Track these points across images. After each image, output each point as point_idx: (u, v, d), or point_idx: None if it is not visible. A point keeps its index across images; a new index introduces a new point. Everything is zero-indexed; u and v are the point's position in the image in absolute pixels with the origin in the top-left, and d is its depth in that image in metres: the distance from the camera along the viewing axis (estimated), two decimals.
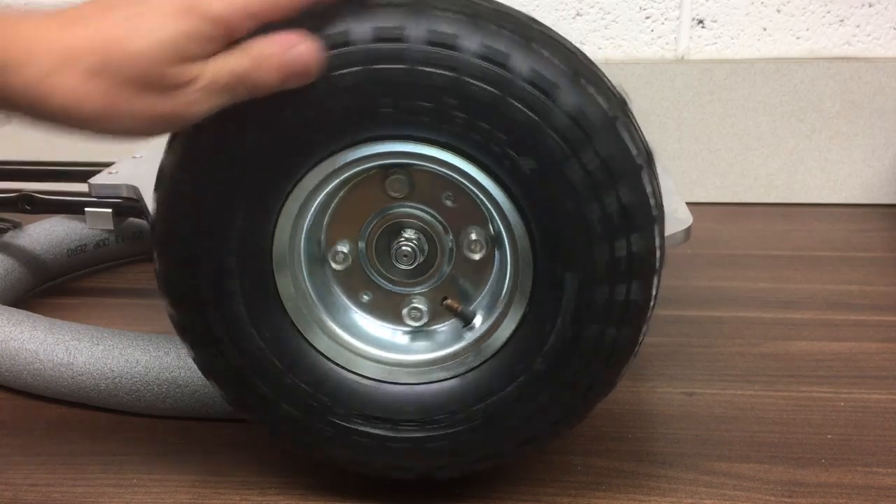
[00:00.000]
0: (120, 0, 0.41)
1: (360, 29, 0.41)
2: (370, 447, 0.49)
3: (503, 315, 0.48)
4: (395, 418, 0.49)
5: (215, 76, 0.40)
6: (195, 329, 0.48)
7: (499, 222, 0.47)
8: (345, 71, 0.42)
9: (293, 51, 0.41)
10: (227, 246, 0.46)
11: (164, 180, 0.46)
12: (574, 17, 1.05)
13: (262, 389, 0.49)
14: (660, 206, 0.45)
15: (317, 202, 0.48)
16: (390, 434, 0.49)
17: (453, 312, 0.51)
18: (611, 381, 0.47)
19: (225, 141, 0.44)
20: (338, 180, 0.47)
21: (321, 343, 0.50)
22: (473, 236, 0.49)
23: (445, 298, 0.51)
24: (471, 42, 0.41)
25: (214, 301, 0.47)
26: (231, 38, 0.40)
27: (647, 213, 0.44)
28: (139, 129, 0.41)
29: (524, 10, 0.45)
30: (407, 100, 0.42)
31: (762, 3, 1.02)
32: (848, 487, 0.53)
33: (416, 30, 0.41)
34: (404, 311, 0.51)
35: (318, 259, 0.51)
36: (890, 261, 0.89)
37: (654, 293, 0.46)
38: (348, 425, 0.49)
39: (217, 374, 0.49)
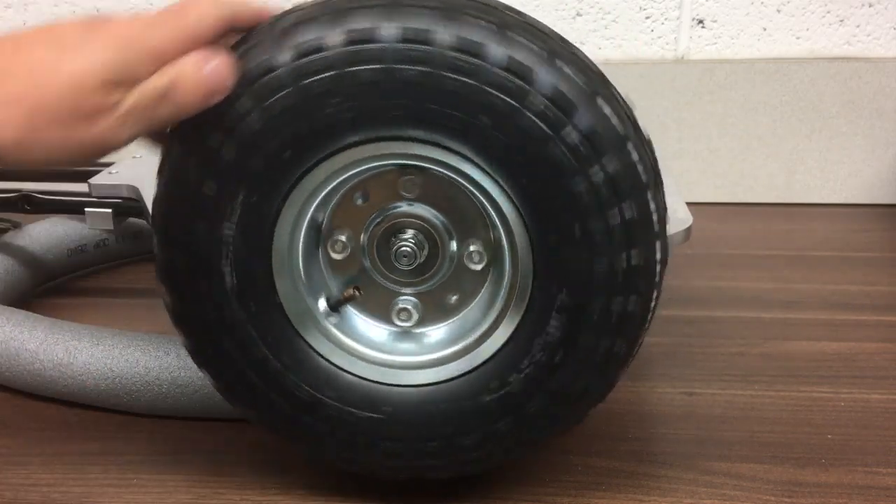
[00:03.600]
0: (52, 31, 0.40)
1: (387, 30, 0.41)
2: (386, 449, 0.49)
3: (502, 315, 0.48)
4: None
5: (138, 100, 0.39)
6: (196, 327, 0.48)
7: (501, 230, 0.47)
8: (362, 67, 0.42)
9: (209, 66, 0.41)
10: (225, 243, 0.46)
11: (165, 173, 0.46)
12: (574, 17, 1.05)
13: (260, 388, 0.49)
14: (662, 220, 0.45)
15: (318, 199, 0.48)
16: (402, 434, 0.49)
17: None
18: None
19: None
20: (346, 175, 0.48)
21: (320, 344, 0.50)
22: (473, 248, 0.49)
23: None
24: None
25: (214, 300, 0.47)
26: (162, 66, 0.40)
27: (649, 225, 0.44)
28: (59, 158, 0.39)
29: (524, 10, 0.45)
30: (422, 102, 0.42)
31: (762, 3, 1.02)
32: (848, 487, 0.53)
33: (444, 34, 0.41)
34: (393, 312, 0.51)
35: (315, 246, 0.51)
36: (890, 261, 0.89)
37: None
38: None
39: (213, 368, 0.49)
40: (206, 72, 0.41)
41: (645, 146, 0.45)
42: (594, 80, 0.43)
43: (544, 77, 0.41)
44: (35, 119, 0.38)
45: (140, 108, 0.40)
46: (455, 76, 0.41)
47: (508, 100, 0.41)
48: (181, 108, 0.41)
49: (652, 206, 0.44)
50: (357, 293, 0.51)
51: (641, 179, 0.43)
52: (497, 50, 0.41)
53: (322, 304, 0.51)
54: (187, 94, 0.41)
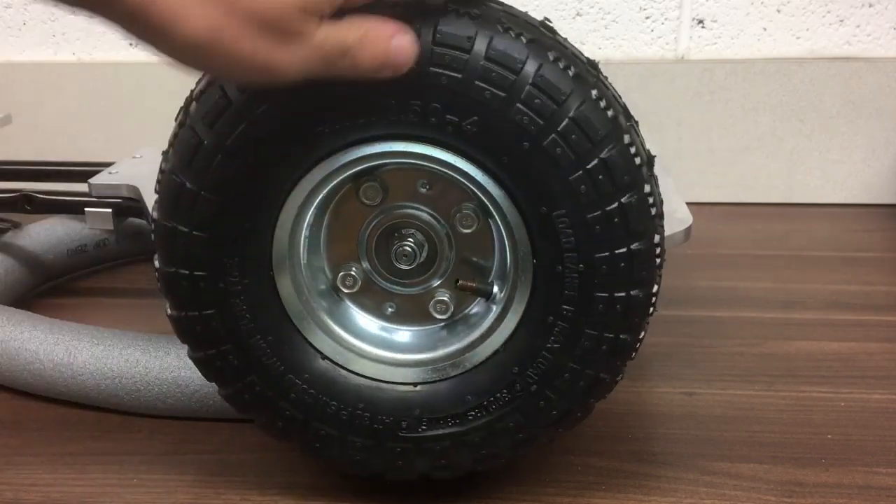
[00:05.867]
0: None
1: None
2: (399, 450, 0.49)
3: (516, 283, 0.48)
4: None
5: (325, 39, 0.38)
6: (196, 332, 0.48)
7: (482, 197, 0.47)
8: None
9: (399, 38, 0.40)
10: (227, 248, 0.46)
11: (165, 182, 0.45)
12: (574, 17, 1.05)
13: (266, 393, 0.49)
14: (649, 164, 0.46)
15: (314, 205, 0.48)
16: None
17: (470, 291, 0.50)
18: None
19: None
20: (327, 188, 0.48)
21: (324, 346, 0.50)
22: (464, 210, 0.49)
23: (458, 280, 0.50)
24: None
25: (216, 303, 0.47)
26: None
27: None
28: (232, 72, 0.38)
29: (524, 9, 0.45)
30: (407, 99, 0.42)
31: (762, 3, 1.02)
32: (848, 487, 0.53)
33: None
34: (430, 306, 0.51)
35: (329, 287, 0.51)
36: (890, 261, 0.89)
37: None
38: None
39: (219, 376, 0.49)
40: (393, 45, 0.40)
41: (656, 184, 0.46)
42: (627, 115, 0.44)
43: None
44: (233, 23, 0.36)
45: (324, 50, 0.38)
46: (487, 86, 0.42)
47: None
48: (356, 70, 0.39)
49: (656, 241, 0.45)
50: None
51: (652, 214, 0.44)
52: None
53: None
54: (366, 58, 0.39)
